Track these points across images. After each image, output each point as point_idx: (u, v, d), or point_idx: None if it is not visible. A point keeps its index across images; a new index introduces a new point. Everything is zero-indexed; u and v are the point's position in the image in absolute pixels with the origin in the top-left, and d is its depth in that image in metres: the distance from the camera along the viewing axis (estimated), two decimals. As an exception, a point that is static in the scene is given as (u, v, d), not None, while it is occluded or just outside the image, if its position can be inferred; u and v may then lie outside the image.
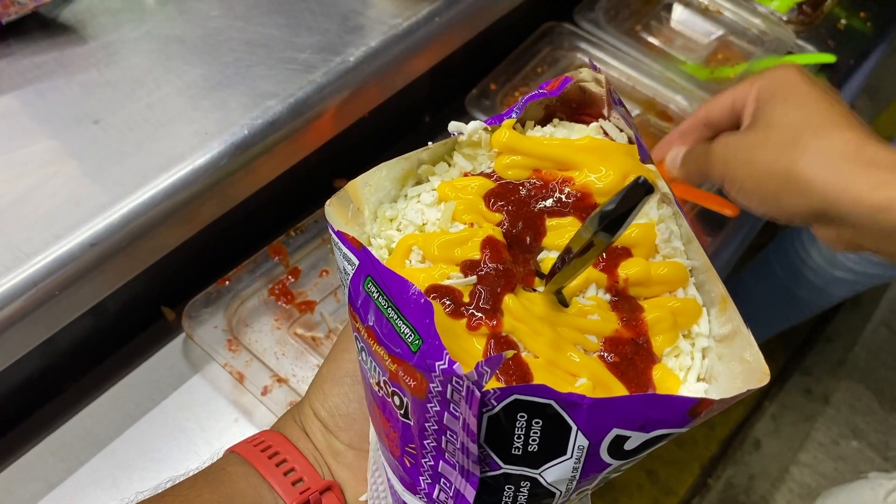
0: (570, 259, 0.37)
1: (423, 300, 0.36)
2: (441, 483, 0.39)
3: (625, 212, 0.33)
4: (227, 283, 0.83)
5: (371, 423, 0.46)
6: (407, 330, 0.37)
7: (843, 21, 1.29)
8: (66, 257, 0.66)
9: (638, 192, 0.32)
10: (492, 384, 0.35)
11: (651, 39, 1.20)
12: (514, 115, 0.45)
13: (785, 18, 1.25)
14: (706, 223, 1.08)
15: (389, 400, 0.39)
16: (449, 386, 0.34)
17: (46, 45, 0.78)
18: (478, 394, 0.33)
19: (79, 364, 0.81)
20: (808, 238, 1.49)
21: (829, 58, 1.21)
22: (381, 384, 0.40)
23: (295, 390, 0.78)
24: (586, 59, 1.14)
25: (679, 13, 1.24)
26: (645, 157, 0.44)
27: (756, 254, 1.82)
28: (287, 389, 0.78)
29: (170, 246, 0.75)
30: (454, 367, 0.34)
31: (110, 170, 0.69)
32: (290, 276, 0.86)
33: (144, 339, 0.85)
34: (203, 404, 0.80)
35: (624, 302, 0.42)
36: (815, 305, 1.66)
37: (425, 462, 0.38)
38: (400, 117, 1.07)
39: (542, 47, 1.13)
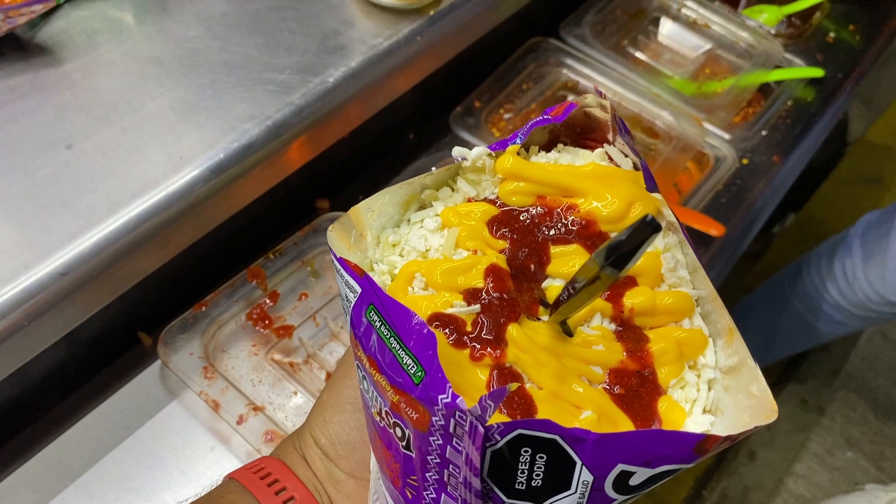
0: (575, 291, 0.37)
1: (426, 331, 0.36)
2: None
3: (632, 248, 0.33)
4: (204, 308, 0.82)
5: (372, 452, 0.45)
6: (409, 361, 0.36)
7: (832, 34, 1.28)
8: (36, 288, 0.65)
9: (645, 230, 0.32)
10: (496, 418, 0.35)
11: (638, 54, 1.19)
12: (518, 141, 0.45)
13: (773, 32, 1.23)
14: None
15: (391, 431, 0.39)
16: (452, 420, 0.34)
17: (21, 68, 0.77)
18: (481, 429, 0.33)
19: (52, 392, 0.80)
20: (826, 272, 1.49)
21: (817, 72, 1.20)
22: (383, 414, 0.39)
23: (271, 418, 0.77)
24: (572, 76, 1.13)
25: (666, 27, 1.23)
26: (651, 186, 0.44)
27: (762, 278, 1.81)
28: (263, 418, 0.77)
29: (143, 273, 0.74)
30: (457, 401, 0.34)
31: (82, 196, 0.69)
32: (268, 300, 0.84)
33: (120, 365, 0.84)
34: (179, 432, 0.79)
35: (629, 332, 0.42)
36: (831, 335, 1.65)
37: (427, 494, 0.38)
38: (383, 135, 1.06)
39: (528, 63, 1.12)
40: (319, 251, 0.90)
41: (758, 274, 2.11)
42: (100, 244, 0.68)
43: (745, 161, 1.11)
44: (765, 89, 1.21)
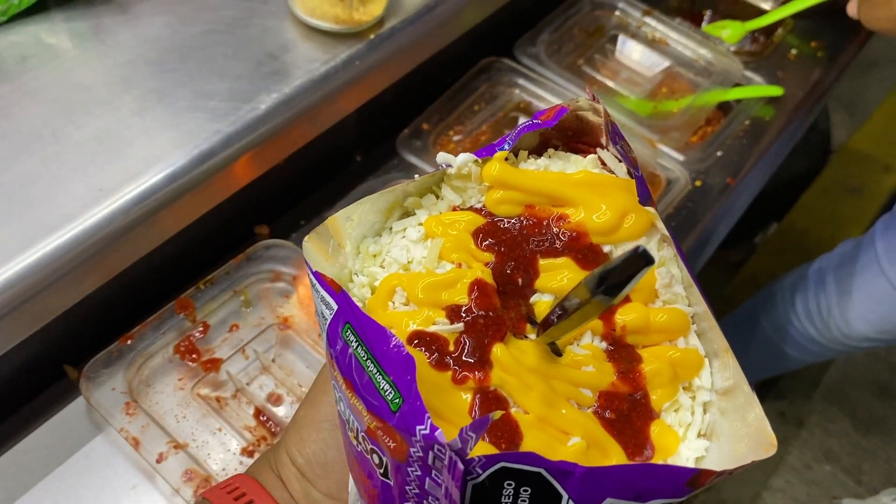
0: (566, 314, 0.35)
1: (404, 353, 0.34)
2: None
3: (623, 279, 0.31)
4: (130, 341, 0.80)
5: (350, 474, 0.43)
6: (387, 386, 0.35)
7: (794, 51, 1.26)
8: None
9: (637, 262, 0.31)
10: (478, 449, 0.33)
11: (594, 74, 1.17)
12: (506, 147, 0.43)
13: (734, 49, 1.21)
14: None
15: (368, 456, 0.37)
16: (430, 452, 0.32)
17: (-54, 95, 0.76)
18: (461, 466, 0.31)
19: (-30, 429, 0.78)
20: (801, 308, 1.47)
21: (775, 90, 1.18)
22: (360, 439, 0.37)
23: (193, 457, 0.75)
24: (525, 96, 1.11)
25: (625, 46, 1.21)
26: (645, 197, 0.42)
27: (743, 288, 1.79)
28: (184, 456, 0.75)
29: (61, 308, 0.73)
30: (436, 433, 0.32)
31: (-2, 230, 0.66)
32: (198, 332, 0.83)
33: (43, 400, 0.82)
34: (101, 469, 0.77)
35: (621, 351, 0.40)
36: (807, 362, 1.63)
37: None
38: (328, 157, 1.04)
39: (480, 84, 1.10)
40: (253, 280, 0.89)
41: (739, 284, 2.09)
42: (12, 280, 0.67)
43: (698, 183, 1.09)
44: (725, 108, 1.19)
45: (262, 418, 0.80)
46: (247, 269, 0.88)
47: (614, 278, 0.31)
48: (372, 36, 0.93)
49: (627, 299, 0.41)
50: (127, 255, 0.77)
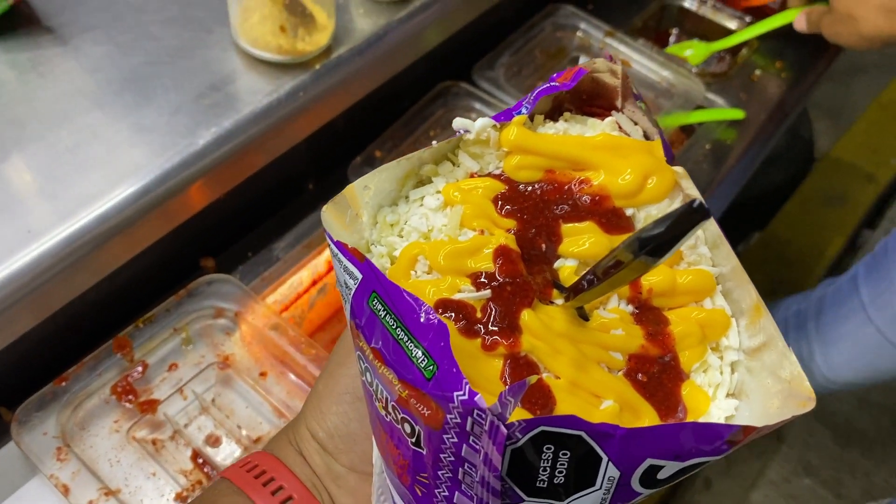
0: (600, 278, 0.35)
1: (436, 320, 0.34)
2: None
3: (675, 236, 0.31)
4: (65, 382, 0.79)
5: (375, 446, 0.43)
6: (419, 354, 0.34)
7: (758, 71, 1.24)
8: None
9: (693, 217, 0.30)
10: (516, 414, 0.33)
11: (552, 97, 1.14)
12: (524, 111, 0.43)
13: (696, 70, 1.19)
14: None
15: (399, 426, 0.37)
16: (469, 418, 0.32)
17: None
18: (503, 429, 0.31)
19: None
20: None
21: (737, 113, 1.16)
22: (389, 408, 0.37)
23: (123, 503, 0.74)
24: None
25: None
26: (670, 157, 0.42)
27: None
28: (115, 503, 0.74)
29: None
30: (475, 398, 0.32)
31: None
32: (136, 372, 0.81)
33: (-26, 444, 0.80)
34: (33, 515, 0.76)
35: (648, 314, 0.40)
36: None
37: (439, 493, 0.36)
38: (279, 187, 1.02)
39: (436, 109, 1.08)
40: (194, 317, 0.87)
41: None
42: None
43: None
44: (688, 130, 1.17)
45: (199, 461, 0.78)
46: (188, 306, 0.87)
47: (667, 235, 0.30)
48: (318, 66, 0.91)
49: None
50: (60, 296, 0.76)
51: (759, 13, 1.25)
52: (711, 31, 1.29)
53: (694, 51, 1.24)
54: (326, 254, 0.97)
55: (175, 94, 0.83)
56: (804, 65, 1.26)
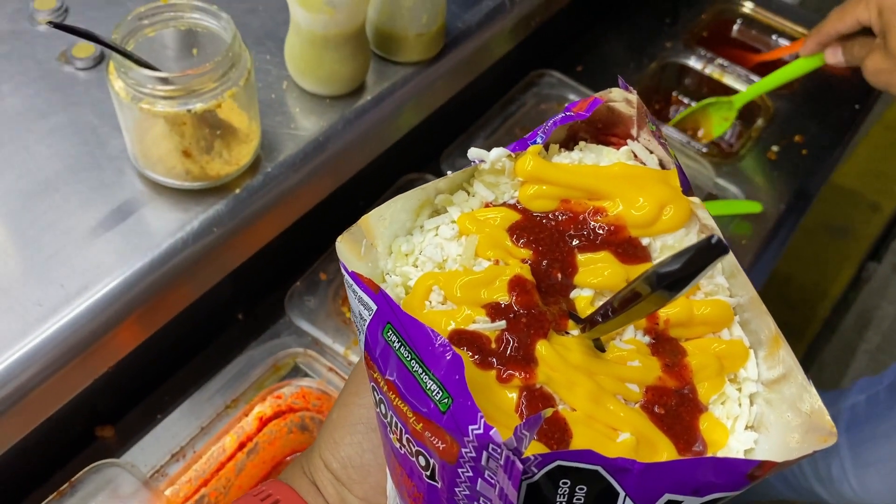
0: (617, 311, 0.36)
1: (451, 353, 0.34)
2: None
3: (692, 272, 0.31)
4: None
5: (389, 477, 0.43)
6: (434, 387, 0.34)
7: (776, 147, 1.05)
8: None
9: (709, 254, 0.30)
10: (532, 448, 0.33)
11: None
12: (538, 141, 0.44)
13: (705, 150, 1.00)
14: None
15: (413, 459, 0.37)
16: (485, 453, 0.32)
17: None
18: (519, 465, 0.31)
19: None
20: (809, 469, 1.31)
21: (754, 206, 0.98)
22: (404, 441, 0.37)
23: None
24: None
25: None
26: (686, 188, 0.43)
27: None
28: None
29: None
30: (491, 432, 0.32)
31: None
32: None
33: None
34: None
35: (665, 345, 0.41)
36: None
37: None
38: (204, 322, 0.87)
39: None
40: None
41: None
42: None
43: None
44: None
45: None
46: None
47: (683, 272, 0.31)
48: (237, 190, 0.71)
49: None
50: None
51: (772, 70, 1.06)
52: (718, 94, 1.10)
53: (715, 126, 1.04)
54: (257, 410, 0.78)
55: (52, 234, 0.67)
56: (828, 137, 1.08)
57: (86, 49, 0.78)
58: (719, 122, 1.09)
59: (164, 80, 0.63)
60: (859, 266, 2.15)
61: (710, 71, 1.14)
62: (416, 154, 1.00)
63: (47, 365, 0.63)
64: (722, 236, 0.40)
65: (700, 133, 1.10)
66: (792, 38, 1.21)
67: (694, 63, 1.16)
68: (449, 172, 0.45)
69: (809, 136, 1.09)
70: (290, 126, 0.78)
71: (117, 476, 0.71)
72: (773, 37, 1.24)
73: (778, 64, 1.10)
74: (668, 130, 1.06)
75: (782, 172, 1.06)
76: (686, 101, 1.20)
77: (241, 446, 0.81)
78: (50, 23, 0.58)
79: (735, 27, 1.25)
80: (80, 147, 0.72)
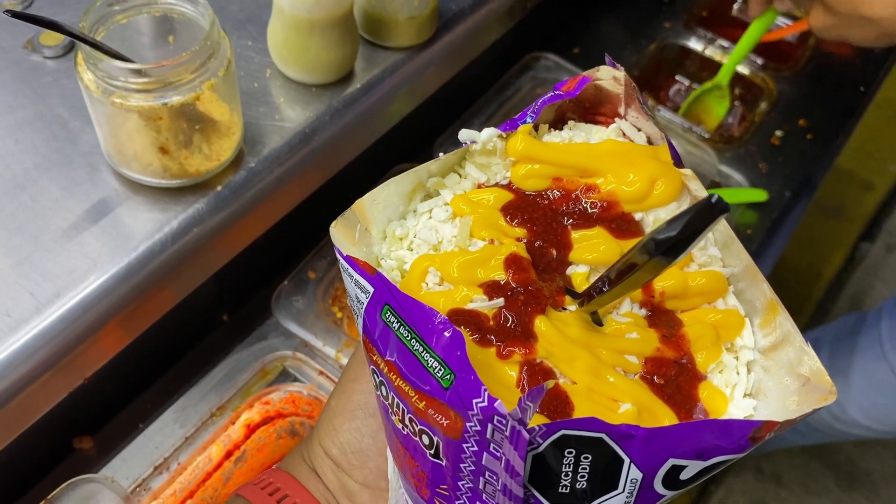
0: (615, 282, 0.37)
1: (451, 330, 0.35)
2: None
3: (693, 233, 0.31)
4: None
5: (391, 461, 0.44)
6: (436, 364, 0.35)
7: (779, 132, 1.01)
8: None
9: (711, 212, 0.30)
10: (535, 420, 0.34)
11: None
12: (528, 121, 0.44)
13: (707, 136, 0.96)
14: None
15: (416, 438, 0.37)
16: (489, 425, 0.33)
17: None
18: (525, 434, 0.32)
19: None
20: None
21: (759, 195, 0.94)
22: (406, 421, 0.38)
23: None
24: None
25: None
26: (677, 160, 0.44)
27: None
28: None
29: None
30: (495, 404, 0.33)
31: None
32: None
33: None
34: None
35: (662, 317, 0.41)
36: (790, 443, 1.56)
37: None
38: (187, 325, 0.84)
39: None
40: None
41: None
42: None
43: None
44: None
45: None
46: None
47: (684, 233, 0.31)
48: (219, 187, 0.67)
49: None
50: None
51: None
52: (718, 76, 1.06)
53: (709, 99, 0.99)
54: (244, 417, 0.74)
55: (20, 238, 0.63)
56: (833, 121, 1.04)
57: (54, 36, 0.74)
58: (717, 104, 1.06)
59: (138, 73, 0.59)
60: (853, 246, 2.14)
61: (711, 52, 1.10)
62: (408, 143, 0.97)
63: (17, 380, 0.60)
64: (702, 192, 0.42)
65: (702, 126, 1.07)
66: (794, 18, 1.17)
67: (694, 44, 1.14)
68: (441, 154, 0.43)
69: (813, 121, 1.06)
70: (274, 117, 0.74)
71: (97, 492, 0.67)
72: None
73: (781, 44, 1.07)
74: (670, 117, 1.03)
75: (787, 158, 1.03)
76: (687, 83, 1.16)
77: (229, 455, 0.78)
78: (8, 11, 0.53)
79: (735, 6, 1.22)
80: (50, 143, 0.69)
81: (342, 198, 0.89)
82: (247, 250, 0.76)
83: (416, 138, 0.99)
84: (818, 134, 1.09)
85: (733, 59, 1.06)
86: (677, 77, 1.19)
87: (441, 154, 0.43)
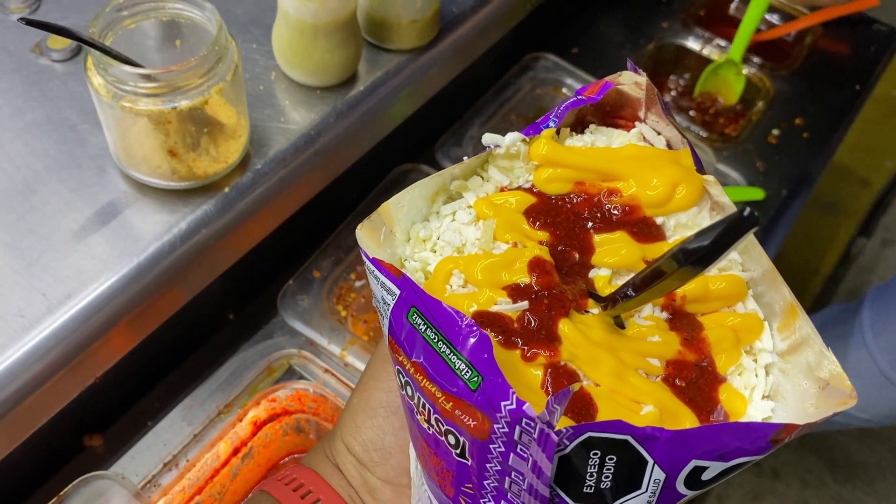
0: (641, 288, 0.37)
1: (478, 332, 0.36)
2: None
3: (723, 246, 0.32)
4: None
5: (413, 458, 0.45)
6: (463, 366, 0.36)
7: (776, 131, 1.02)
8: None
9: (742, 225, 0.31)
10: (560, 423, 0.34)
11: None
12: (552, 125, 0.45)
13: (704, 135, 0.97)
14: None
15: (442, 438, 0.38)
16: (517, 427, 0.34)
17: None
18: (554, 437, 0.33)
19: None
20: None
21: (756, 193, 0.95)
22: (433, 421, 0.38)
23: None
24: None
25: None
26: (699, 165, 0.45)
27: None
28: None
29: None
30: (524, 407, 0.33)
31: None
32: None
33: None
34: None
35: (682, 320, 0.42)
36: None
37: (484, 502, 0.38)
38: (194, 324, 0.84)
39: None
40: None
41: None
42: None
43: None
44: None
45: None
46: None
47: (714, 246, 0.32)
48: (227, 189, 0.68)
49: None
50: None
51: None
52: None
53: (725, 74, 1.00)
54: (251, 415, 0.75)
55: (31, 240, 0.64)
56: (829, 119, 1.05)
57: (62, 40, 0.74)
58: (735, 79, 1.06)
59: (147, 78, 0.60)
60: (849, 242, 2.14)
61: (709, 51, 1.10)
62: (410, 144, 0.97)
63: (30, 379, 0.61)
64: (723, 202, 0.43)
65: (720, 101, 1.07)
66: (790, 17, 1.18)
67: (692, 44, 1.15)
68: (465, 158, 0.44)
69: (810, 119, 1.07)
70: (279, 119, 0.74)
71: (107, 489, 0.69)
72: (773, 15, 1.21)
73: (778, 42, 1.07)
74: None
75: (784, 156, 1.04)
76: (683, 83, 1.17)
77: (236, 451, 0.78)
78: (21, 19, 0.54)
79: (733, 5, 1.23)
80: (59, 145, 0.69)
81: (345, 198, 0.91)
82: (253, 250, 0.77)
83: (418, 139, 1.00)
84: (815, 132, 1.10)
85: (743, 31, 1.05)
86: (676, 77, 1.18)
87: (466, 158, 0.44)
